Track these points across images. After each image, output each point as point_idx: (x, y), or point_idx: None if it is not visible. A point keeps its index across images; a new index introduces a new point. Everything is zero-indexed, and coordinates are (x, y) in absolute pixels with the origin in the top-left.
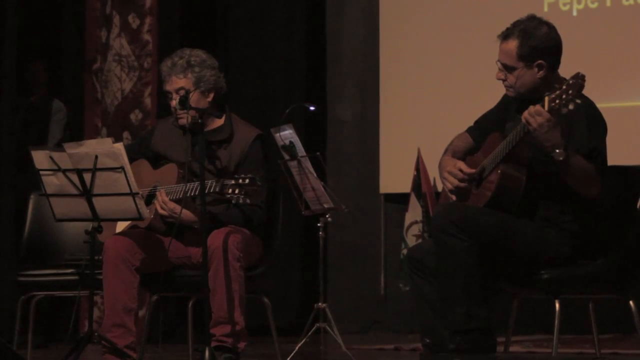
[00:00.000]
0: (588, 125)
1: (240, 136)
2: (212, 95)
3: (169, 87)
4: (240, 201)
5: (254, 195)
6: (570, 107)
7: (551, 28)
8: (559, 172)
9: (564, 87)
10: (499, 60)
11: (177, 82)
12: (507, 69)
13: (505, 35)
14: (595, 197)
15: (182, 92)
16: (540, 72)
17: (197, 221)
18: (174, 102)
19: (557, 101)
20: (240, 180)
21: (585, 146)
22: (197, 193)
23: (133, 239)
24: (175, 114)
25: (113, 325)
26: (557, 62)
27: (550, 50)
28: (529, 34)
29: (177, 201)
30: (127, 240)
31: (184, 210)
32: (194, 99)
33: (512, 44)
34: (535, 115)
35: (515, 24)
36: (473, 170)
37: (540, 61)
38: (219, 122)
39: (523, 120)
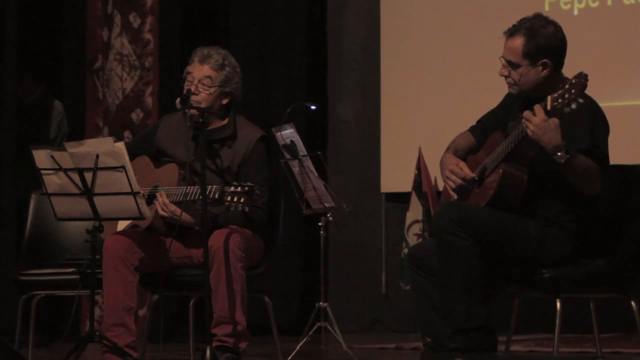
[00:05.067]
0: (589, 122)
1: (244, 136)
2: (228, 99)
3: (194, 71)
4: (239, 208)
5: (254, 201)
6: (573, 106)
7: (557, 28)
8: (560, 172)
9: (567, 86)
10: (503, 57)
11: (207, 71)
12: (512, 65)
13: (511, 32)
14: (595, 195)
15: (206, 81)
16: (545, 71)
17: (198, 223)
18: (187, 87)
19: (560, 101)
20: (240, 188)
21: (586, 142)
22: (197, 197)
23: (132, 238)
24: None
25: (113, 324)
26: (561, 62)
27: (555, 50)
28: (535, 32)
29: (178, 203)
30: (126, 240)
31: (184, 213)
32: (214, 93)
33: (518, 41)
34: (531, 118)
35: (522, 22)
36: (473, 175)
37: (545, 60)
38: (223, 121)
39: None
